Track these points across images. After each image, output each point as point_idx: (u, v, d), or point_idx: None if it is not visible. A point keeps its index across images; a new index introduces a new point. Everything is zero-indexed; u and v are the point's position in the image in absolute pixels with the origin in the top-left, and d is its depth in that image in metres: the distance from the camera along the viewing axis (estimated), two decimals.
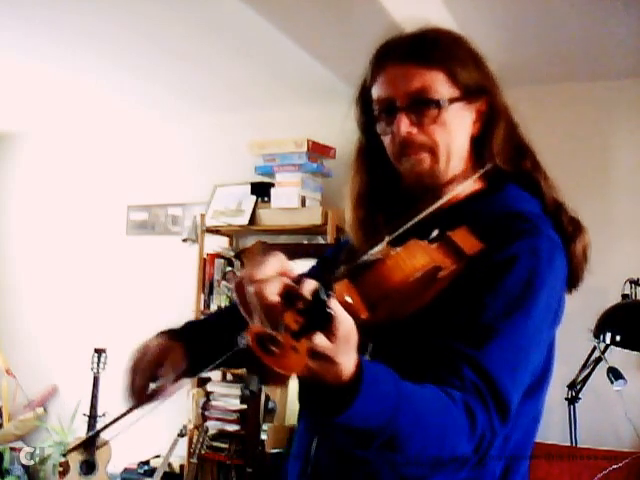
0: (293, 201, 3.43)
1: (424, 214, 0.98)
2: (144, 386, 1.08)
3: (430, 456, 0.81)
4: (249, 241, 3.82)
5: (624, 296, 2.80)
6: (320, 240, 3.50)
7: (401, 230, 0.95)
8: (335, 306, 0.68)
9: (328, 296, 0.67)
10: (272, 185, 3.56)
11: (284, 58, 3.07)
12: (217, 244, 3.81)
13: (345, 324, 0.70)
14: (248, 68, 3.29)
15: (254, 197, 3.61)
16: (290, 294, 0.69)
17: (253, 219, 3.57)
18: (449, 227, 0.98)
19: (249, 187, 3.64)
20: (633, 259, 3.06)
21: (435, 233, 0.96)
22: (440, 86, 1.04)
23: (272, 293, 0.69)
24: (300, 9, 2.26)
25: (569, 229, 1.07)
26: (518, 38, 2.90)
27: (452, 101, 1.04)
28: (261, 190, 3.61)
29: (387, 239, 0.91)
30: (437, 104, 1.03)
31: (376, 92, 1.08)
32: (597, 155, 3.27)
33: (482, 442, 0.85)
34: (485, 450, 0.86)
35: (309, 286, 0.68)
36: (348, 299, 0.81)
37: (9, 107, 4.19)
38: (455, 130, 1.06)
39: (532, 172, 1.11)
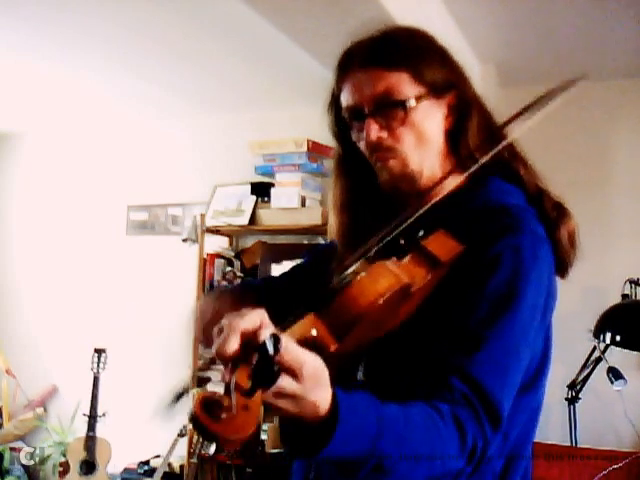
0: (293, 201, 3.43)
1: (399, 230, 0.96)
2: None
3: (421, 474, 0.82)
4: (249, 241, 3.82)
5: (624, 296, 2.81)
6: (320, 240, 3.50)
7: (379, 245, 0.93)
8: (287, 354, 0.68)
9: (277, 348, 0.66)
10: (272, 185, 3.56)
11: (284, 58, 3.07)
12: (217, 244, 3.81)
13: (309, 365, 0.70)
14: (248, 68, 3.29)
15: (254, 197, 3.61)
16: (249, 346, 0.69)
17: (253, 219, 3.57)
18: (430, 228, 0.97)
19: (249, 187, 3.64)
20: (633, 259, 3.07)
21: (401, 243, 0.95)
22: (405, 86, 1.02)
23: (230, 347, 0.69)
24: (300, 9, 2.26)
25: (553, 215, 1.06)
26: (518, 38, 2.90)
27: (419, 99, 1.02)
28: (261, 190, 3.61)
29: (362, 256, 0.89)
30: (403, 105, 1.02)
31: (344, 100, 1.07)
32: (597, 155, 3.27)
33: (474, 453, 0.86)
34: (479, 459, 0.87)
35: (261, 337, 0.68)
36: (314, 332, 0.80)
37: (9, 107, 4.19)
38: (426, 128, 1.04)
39: (511, 161, 1.10)
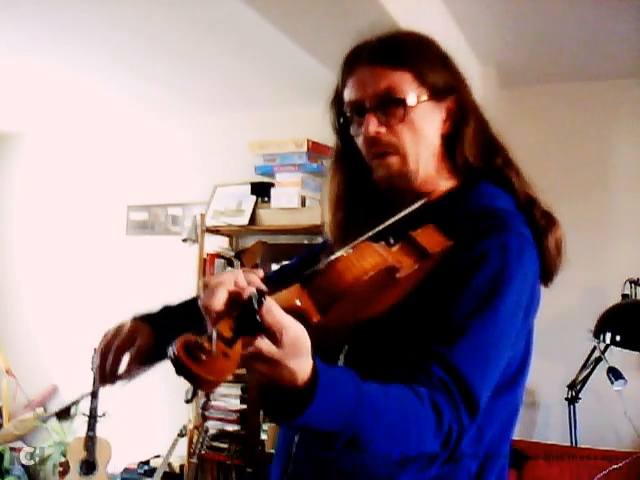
0: (293, 201, 3.43)
1: (390, 222, 0.99)
2: (114, 366, 1.12)
3: (396, 453, 0.83)
4: (249, 241, 3.82)
5: (624, 296, 2.81)
6: (320, 240, 3.49)
7: (370, 233, 0.95)
8: (269, 313, 0.70)
9: (260, 303, 0.70)
10: (272, 185, 3.56)
11: (284, 58, 3.07)
12: (217, 244, 3.81)
13: (291, 329, 0.72)
14: (248, 68, 3.29)
15: (254, 197, 3.61)
16: (234, 303, 0.73)
17: (253, 219, 3.57)
18: (419, 226, 0.99)
19: (249, 187, 3.64)
20: (633, 259, 3.06)
21: (391, 238, 0.97)
22: (407, 86, 1.05)
23: (215, 303, 0.73)
24: (300, 9, 2.26)
25: (541, 223, 1.07)
26: (518, 38, 2.90)
27: (420, 100, 1.06)
28: (261, 190, 3.61)
29: (352, 243, 0.91)
30: (404, 103, 1.05)
31: (347, 95, 1.10)
32: (597, 155, 3.27)
33: (449, 437, 0.87)
34: (454, 445, 0.88)
35: (246, 294, 0.71)
36: (297, 302, 0.82)
37: (9, 107, 4.19)
38: (424, 129, 1.07)
39: (503, 168, 1.12)
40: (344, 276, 0.85)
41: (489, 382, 0.94)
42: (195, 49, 3.08)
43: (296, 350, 0.72)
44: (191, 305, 1.29)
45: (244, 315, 0.70)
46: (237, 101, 3.82)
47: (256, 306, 0.69)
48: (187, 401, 0.72)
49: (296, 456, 1.04)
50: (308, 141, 3.40)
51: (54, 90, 3.79)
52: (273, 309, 0.71)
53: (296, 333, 0.72)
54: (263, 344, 0.70)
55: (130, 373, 1.12)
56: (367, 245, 0.91)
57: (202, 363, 0.67)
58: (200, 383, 0.68)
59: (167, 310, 1.27)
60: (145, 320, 1.20)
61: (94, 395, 3.63)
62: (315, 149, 3.43)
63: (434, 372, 0.88)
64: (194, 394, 0.74)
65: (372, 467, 0.86)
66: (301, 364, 0.73)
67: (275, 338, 0.71)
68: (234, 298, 0.73)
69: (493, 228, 1.00)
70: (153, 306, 1.25)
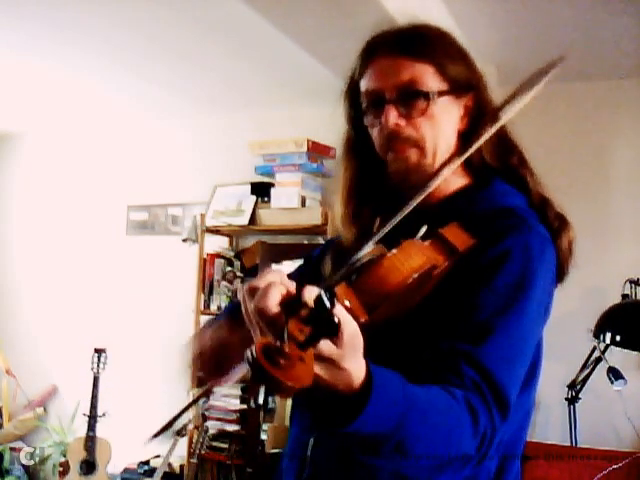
0: (293, 201, 3.43)
1: (409, 208, 0.96)
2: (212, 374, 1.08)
3: (437, 456, 0.81)
4: (249, 241, 3.82)
5: (624, 296, 2.81)
6: (320, 240, 3.50)
7: (388, 228, 0.94)
8: (340, 312, 0.67)
9: (332, 302, 0.65)
10: (272, 185, 3.56)
11: (284, 58, 3.07)
12: (217, 244, 3.81)
13: (350, 328, 0.69)
14: (248, 68, 3.29)
15: (254, 197, 3.61)
16: (291, 304, 0.68)
17: (253, 219, 3.57)
18: (438, 224, 0.98)
19: (249, 187, 3.64)
20: (633, 259, 3.06)
21: (424, 230, 0.95)
22: (429, 79, 1.03)
23: (272, 304, 0.68)
24: (300, 9, 2.26)
25: (555, 224, 1.07)
26: (518, 38, 2.90)
27: (441, 94, 1.04)
28: (261, 190, 3.61)
29: (374, 238, 0.89)
30: (426, 96, 1.03)
31: (365, 84, 1.07)
32: (597, 155, 3.27)
33: (484, 439, 0.86)
34: (487, 447, 0.87)
35: (311, 293, 0.67)
36: (347, 303, 0.80)
37: (9, 107, 4.19)
38: (443, 124, 1.06)
39: (519, 168, 1.11)
40: (393, 275, 0.83)
41: (518, 381, 0.94)
42: (195, 49, 3.08)
43: (354, 350, 0.70)
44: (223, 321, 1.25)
45: (320, 316, 0.65)
46: (237, 101, 3.82)
47: (329, 306, 0.65)
48: (257, 406, 0.69)
49: (313, 459, 1.02)
50: (308, 141, 3.39)
51: (54, 90, 3.79)
52: (337, 308, 0.67)
53: (355, 332, 0.70)
54: (323, 345, 0.67)
55: (228, 378, 1.08)
56: (411, 243, 0.89)
57: (282, 368, 0.64)
58: (280, 389, 0.65)
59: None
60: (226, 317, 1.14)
61: (94, 395, 3.63)
62: (315, 149, 3.43)
63: (465, 372, 0.87)
64: (265, 401, 0.71)
65: (410, 471, 0.83)
66: (357, 365, 0.71)
67: (337, 338, 0.68)
68: (289, 299, 0.69)
69: (513, 226, 1.00)
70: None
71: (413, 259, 0.86)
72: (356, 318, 0.77)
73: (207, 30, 2.85)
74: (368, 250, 0.88)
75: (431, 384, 0.84)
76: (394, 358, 0.93)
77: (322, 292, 0.66)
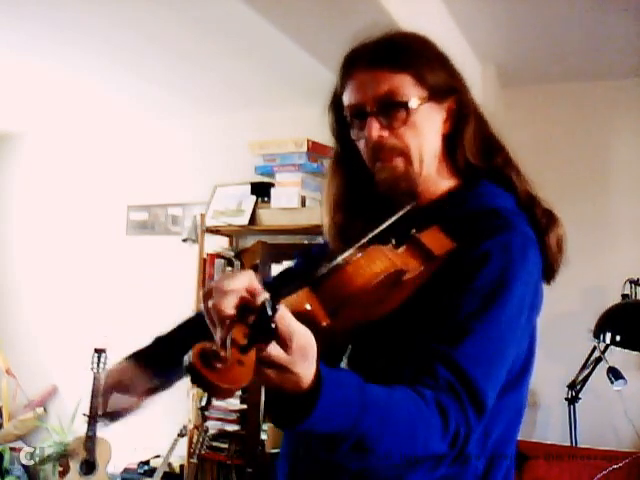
0: (293, 201, 3.43)
1: (392, 220, 1.00)
2: (105, 407, 1.18)
3: (403, 455, 0.83)
4: (249, 241, 3.82)
5: (624, 296, 2.81)
6: (320, 240, 3.49)
7: (371, 235, 0.95)
8: (282, 319, 0.69)
9: (273, 308, 0.68)
10: (272, 185, 3.56)
11: (284, 58, 3.07)
12: (217, 244, 3.81)
13: (300, 336, 0.71)
14: (248, 68, 3.29)
15: (254, 197, 3.61)
16: (243, 308, 0.71)
17: (253, 219, 3.57)
18: (425, 226, 0.99)
19: (249, 187, 3.64)
20: (633, 259, 3.06)
21: (394, 239, 0.96)
22: (408, 88, 1.05)
23: (228, 306, 0.70)
24: (300, 9, 2.26)
25: (543, 221, 1.08)
26: (518, 38, 2.90)
27: (421, 102, 1.05)
28: (261, 190, 3.61)
29: (356, 245, 0.91)
30: (405, 106, 1.04)
31: (346, 99, 1.10)
32: (597, 155, 3.27)
33: (457, 438, 0.87)
34: (461, 445, 0.88)
35: (259, 299, 0.69)
36: (307, 307, 0.82)
37: (9, 107, 4.19)
38: (426, 131, 1.07)
39: (504, 167, 1.13)
40: (354, 280, 0.84)
41: (495, 381, 0.94)
42: (195, 49, 3.08)
43: (304, 356, 0.72)
44: (187, 329, 1.34)
45: (259, 322, 0.68)
46: (237, 101, 3.82)
47: (270, 312, 0.68)
48: (202, 408, 0.72)
49: (302, 458, 1.04)
50: (308, 141, 3.40)
51: (54, 90, 3.79)
52: (285, 315, 0.70)
53: (305, 339, 0.72)
54: (273, 350, 0.70)
55: (123, 411, 1.20)
56: (376, 249, 0.90)
57: (218, 371, 0.66)
58: (216, 392, 0.67)
59: (160, 341, 1.32)
60: (136, 358, 1.26)
61: (94, 395, 3.63)
62: (315, 149, 3.43)
63: (439, 372, 0.88)
64: (208, 402, 0.73)
65: (379, 469, 0.86)
66: (307, 369, 0.73)
67: (285, 344, 0.70)
68: (244, 303, 0.71)
69: (496, 228, 1.00)
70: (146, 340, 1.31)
71: (376, 264, 0.87)
72: (317, 322, 0.81)
73: (207, 30, 2.85)
74: (345, 256, 0.89)
75: (407, 386, 0.85)
76: (379, 359, 0.97)
77: (266, 298, 0.68)
